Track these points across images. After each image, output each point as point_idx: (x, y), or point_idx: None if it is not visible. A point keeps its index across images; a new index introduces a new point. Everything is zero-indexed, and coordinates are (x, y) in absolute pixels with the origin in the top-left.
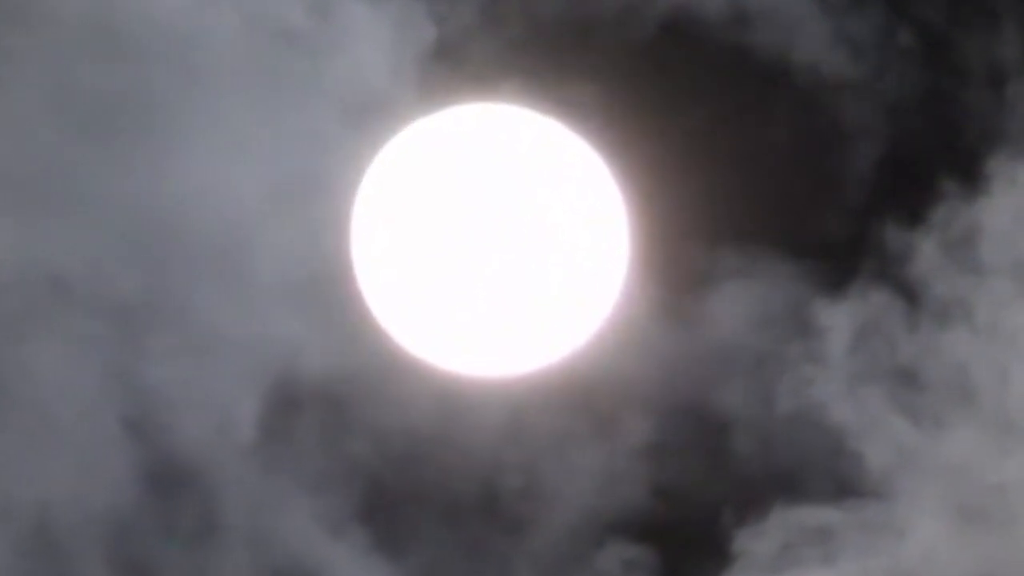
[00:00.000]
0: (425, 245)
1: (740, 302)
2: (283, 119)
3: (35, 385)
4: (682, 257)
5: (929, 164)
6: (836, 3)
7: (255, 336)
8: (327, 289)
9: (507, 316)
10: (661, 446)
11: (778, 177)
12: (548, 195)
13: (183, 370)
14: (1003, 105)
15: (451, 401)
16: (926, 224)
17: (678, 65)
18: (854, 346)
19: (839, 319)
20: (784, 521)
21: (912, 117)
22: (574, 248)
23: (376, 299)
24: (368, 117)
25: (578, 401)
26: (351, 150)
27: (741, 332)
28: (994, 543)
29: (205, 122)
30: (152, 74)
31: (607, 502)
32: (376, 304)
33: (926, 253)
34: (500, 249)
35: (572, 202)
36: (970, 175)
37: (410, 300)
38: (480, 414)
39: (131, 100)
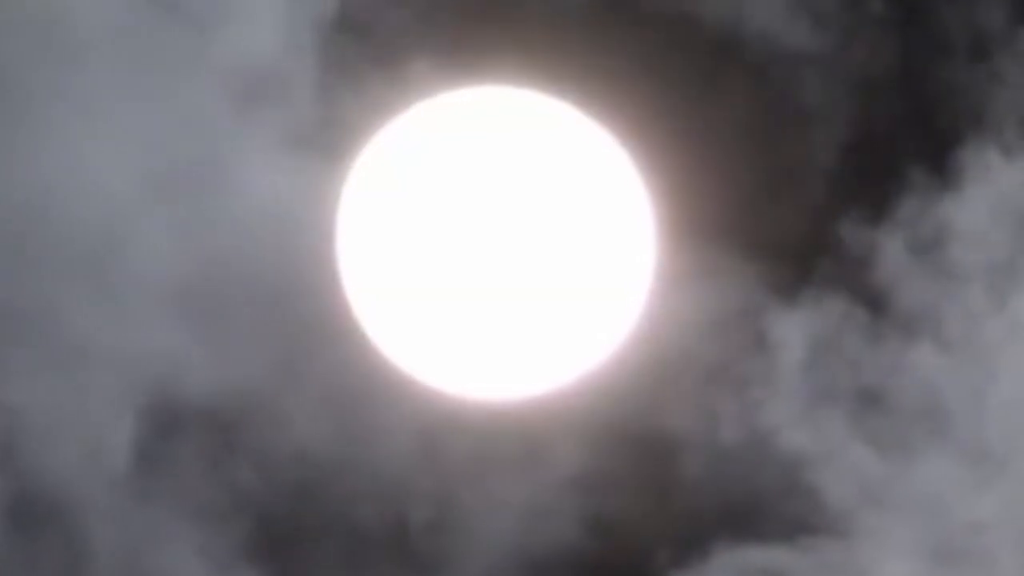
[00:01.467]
0: (400, 246)
1: (678, 311)
2: (163, 99)
3: None
4: None
5: (900, 152)
6: None
7: (130, 349)
8: (214, 295)
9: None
10: (593, 474)
11: (724, 165)
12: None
13: (47, 389)
14: (986, 84)
15: (357, 421)
16: (894, 221)
17: (612, 36)
18: (809, 362)
19: (791, 331)
20: (731, 562)
21: (881, 97)
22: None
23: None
24: (261, 97)
25: (501, 421)
26: (242, 135)
27: (681, 346)
28: None
29: (72, 103)
30: (9, 46)
31: (532, 537)
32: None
33: (892, 255)
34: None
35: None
36: (945, 166)
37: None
38: (390, 436)
39: None
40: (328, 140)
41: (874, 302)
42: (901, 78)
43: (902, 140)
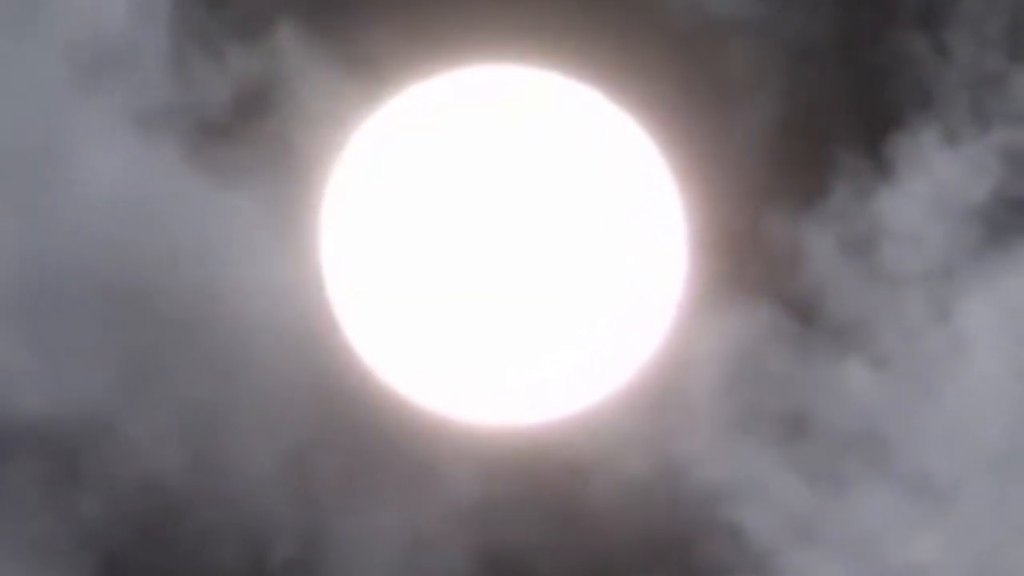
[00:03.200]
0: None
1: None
2: None
3: None
4: None
5: (836, 134)
6: None
7: None
8: (50, 300)
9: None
10: (488, 504)
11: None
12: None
13: None
14: (936, 58)
15: (212, 445)
16: (826, 216)
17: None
18: (728, 380)
19: (706, 343)
20: None
21: (817, 72)
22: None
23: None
24: (106, 71)
25: (381, 441)
26: (83, 114)
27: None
28: None
29: None
30: None
31: (415, 574)
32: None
33: (824, 256)
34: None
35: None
36: (888, 151)
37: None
38: (250, 460)
39: None
40: (183, 120)
41: (802, 311)
42: (842, 49)
43: (841, 121)
